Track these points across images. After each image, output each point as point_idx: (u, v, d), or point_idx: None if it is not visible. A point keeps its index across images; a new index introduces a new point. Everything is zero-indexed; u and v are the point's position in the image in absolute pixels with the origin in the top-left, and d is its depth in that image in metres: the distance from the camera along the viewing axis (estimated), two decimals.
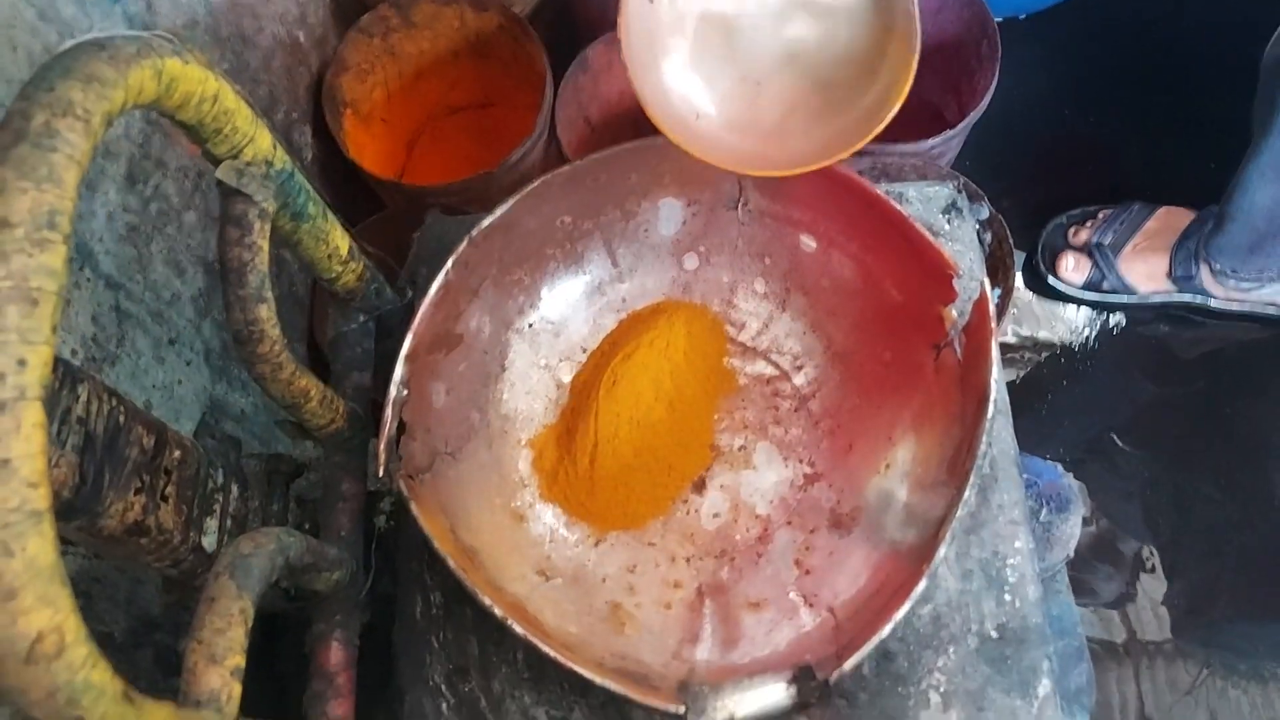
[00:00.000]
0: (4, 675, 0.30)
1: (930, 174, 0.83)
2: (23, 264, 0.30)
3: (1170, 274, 1.07)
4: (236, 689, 0.39)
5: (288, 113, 0.94)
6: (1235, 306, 1.09)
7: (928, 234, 0.52)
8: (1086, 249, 1.11)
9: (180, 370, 0.71)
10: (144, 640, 0.65)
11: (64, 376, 0.42)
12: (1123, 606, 1.02)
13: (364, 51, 1.02)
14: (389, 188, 1.00)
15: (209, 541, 0.51)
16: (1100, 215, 1.12)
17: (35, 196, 0.31)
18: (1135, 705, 0.99)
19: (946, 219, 0.61)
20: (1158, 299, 1.10)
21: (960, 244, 0.60)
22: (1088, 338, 1.13)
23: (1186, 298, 1.09)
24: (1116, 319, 1.14)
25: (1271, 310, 1.08)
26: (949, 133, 0.87)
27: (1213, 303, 1.09)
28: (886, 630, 0.45)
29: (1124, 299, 1.11)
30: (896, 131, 0.89)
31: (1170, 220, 1.09)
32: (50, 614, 0.30)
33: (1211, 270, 1.04)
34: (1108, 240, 1.09)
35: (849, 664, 0.45)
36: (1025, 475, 0.61)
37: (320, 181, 1.02)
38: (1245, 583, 1.02)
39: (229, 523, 0.53)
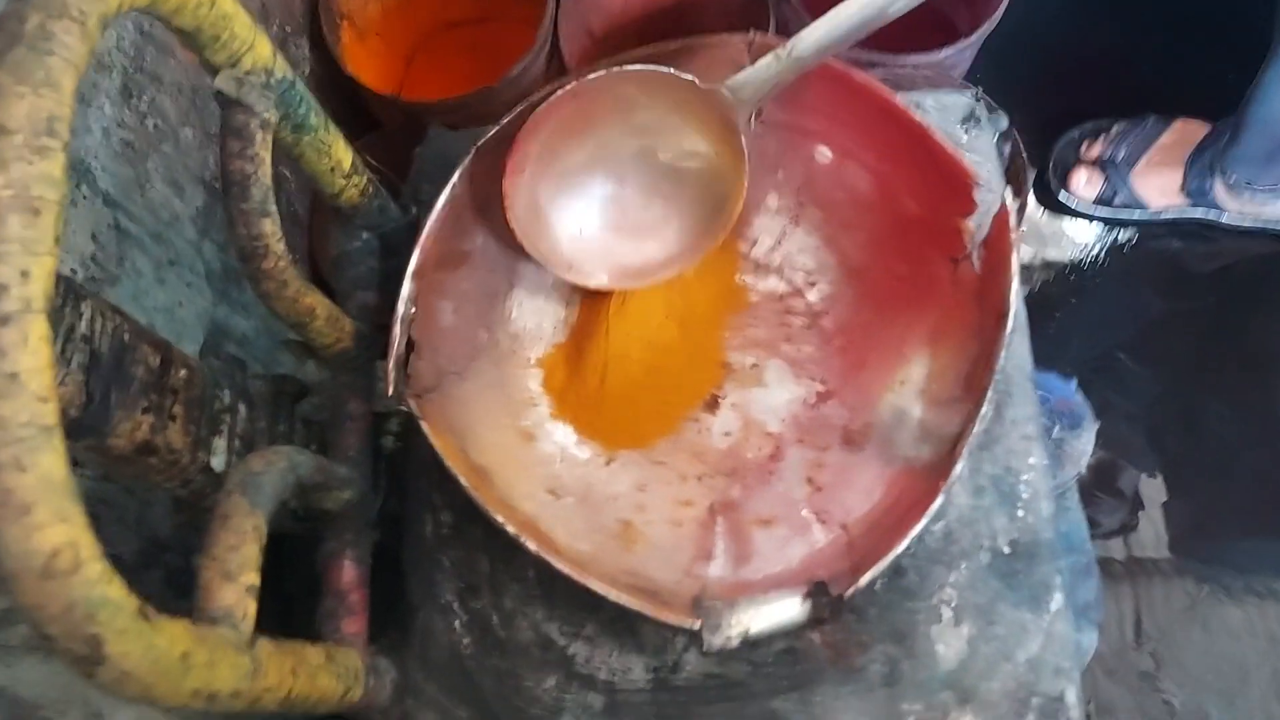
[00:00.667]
0: (21, 591, 0.29)
1: (943, 86, 0.81)
2: (23, 172, 0.29)
3: (1184, 188, 1.06)
4: (251, 606, 0.39)
5: (282, 25, 0.92)
6: (1249, 222, 1.07)
7: (948, 143, 0.51)
8: (1099, 164, 1.09)
9: (181, 292, 0.70)
10: (154, 561, 0.66)
11: (66, 293, 0.42)
12: (1125, 535, 1.03)
13: None
14: (387, 104, 0.98)
15: (217, 462, 0.51)
16: (1114, 129, 1.10)
17: (33, 102, 0.30)
18: (1132, 620, 1.00)
19: (964, 129, 0.60)
20: (1170, 214, 1.08)
21: (979, 155, 0.59)
22: (1097, 255, 1.12)
23: (1199, 213, 1.07)
24: (1127, 235, 1.13)
25: None
26: (962, 43, 0.85)
27: (1225, 218, 1.07)
28: (902, 546, 0.45)
29: (1136, 215, 1.10)
30: (908, 43, 0.87)
31: (1186, 133, 1.07)
32: (65, 529, 0.29)
33: (1226, 183, 1.03)
34: (1121, 154, 1.07)
35: (864, 579, 0.45)
36: (1038, 391, 0.60)
37: (317, 99, 0.99)
38: (1251, 501, 1.02)
39: (237, 443, 0.52)
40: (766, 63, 0.50)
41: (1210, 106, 1.08)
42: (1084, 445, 0.71)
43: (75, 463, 0.47)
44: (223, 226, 0.75)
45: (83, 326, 0.42)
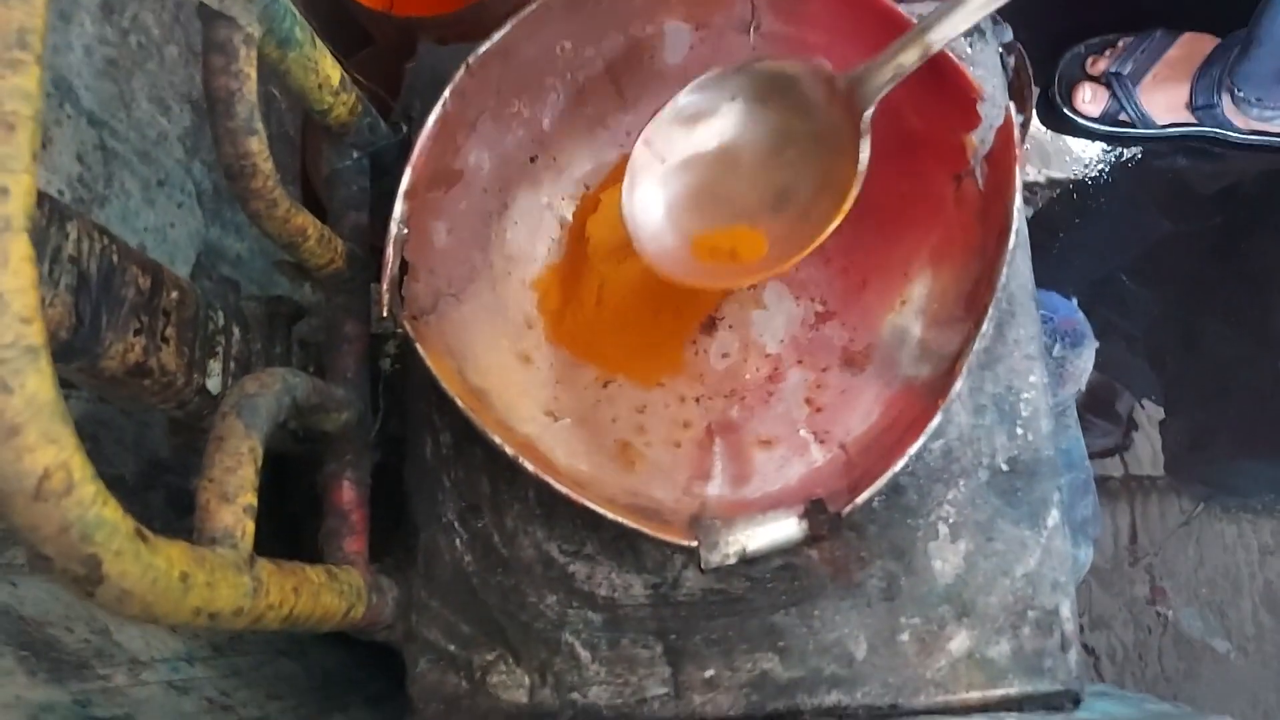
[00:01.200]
0: (14, 513, 0.29)
1: None
2: None
3: (1190, 104, 1.04)
4: (249, 526, 0.39)
5: None
6: (1256, 140, 1.06)
7: (951, 56, 0.49)
8: (1104, 79, 1.07)
9: (172, 213, 0.69)
10: (154, 482, 0.66)
11: (51, 214, 0.41)
12: (1121, 454, 1.03)
13: None
14: (378, 20, 0.95)
15: (213, 384, 0.51)
16: (1120, 44, 1.08)
17: (3, 13, 0.29)
18: (1128, 535, 1.01)
19: (968, 42, 0.58)
20: (1176, 131, 1.07)
21: (983, 69, 0.57)
22: (1102, 173, 1.10)
23: (1206, 129, 1.06)
24: (1132, 152, 1.11)
25: None
26: None
27: (1232, 135, 1.05)
28: (901, 463, 0.45)
29: (1141, 131, 1.08)
30: None
31: (1193, 47, 1.05)
32: (55, 451, 0.29)
33: (1234, 99, 1.01)
34: (1127, 69, 1.05)
35: (862, 497, 0.45)
36: (1040, 311, 0.59)
37: (305, 15, 0.97)
38: (1250, 420, 1.03)
39: (232, 365, 0.52)
40: (905, 52, 0.47)
41: (1219, 20, 1.05)
42: (1084, 364, 0.71)
43: (69, 385, 0.47)
44: (212, 146, 0.74)
45: (69, 247, 0.42)
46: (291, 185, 0.90)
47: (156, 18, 0.68)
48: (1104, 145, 1.11)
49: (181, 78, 0.71)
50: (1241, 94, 1.00)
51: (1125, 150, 1.11)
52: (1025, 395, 0.53)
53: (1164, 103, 1.05)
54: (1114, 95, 1.05)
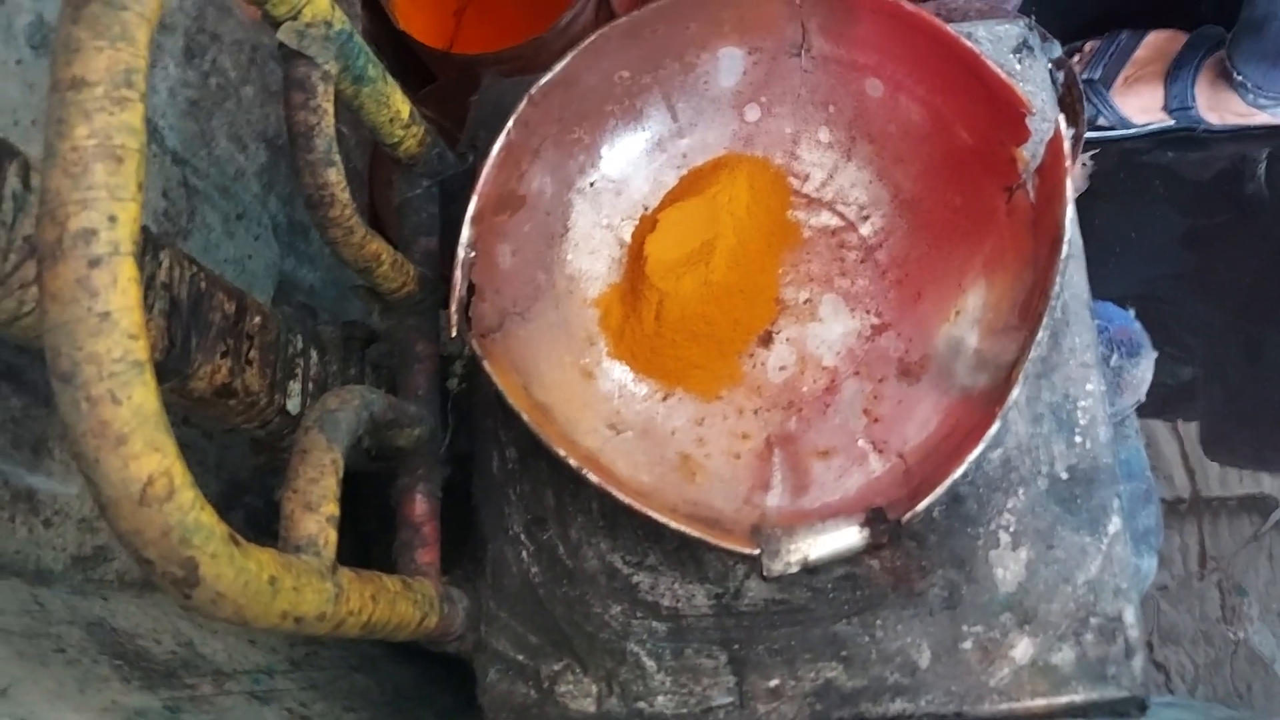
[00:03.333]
0: (120, 519, 0.32)
1: (995, 17, 0.80)
2: (105, 122, 0.31)
3: (1166, 106, 1.03)
4: (332, 535, 0.41)
5: None
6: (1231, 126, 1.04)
7: (1000, 71, 0.50)
8: None
9: (250, 245, 0.72)
10: (235, 503, 0.69)
11: (146, 243, 0.44)
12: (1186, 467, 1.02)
13: None
14: (439, 58, 0.99)
15: (293, 404, 0.53)
16: (1087, 48, 1.07)
17: (111, 55, 0.31)
18: (1196, 554, 0.99)
19: (1017, 59, 0.59)
20: (1157, 127, 1.06)
21: (1032, 84, 0.58)
22: (1095, 181, 1.09)
23: (1183, 126, 1.05)
24: (1119, 154, 1.10)
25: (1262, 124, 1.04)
26: None
27: (1205, 127, 1.04)
28: (960, 471, 0.46)
29: (1124, 132, 1.07)
30: None
31: (1160, 45, 1.04)
32: (159, 458, 0.31)
33: (1232, 83, 0.97)
34: (1098, 75, 1.05)
35: (922, 505, 0.46)
36: (1096, 320, 0.60)
37: None
38: None
39: (310, 386, 0.54)
40: None
41: (1183, 16, 1.04)
42: (1143, 373, 0.70)
43: None
44: (286, 181, 0.77)
45: (162, 275, 0.44)
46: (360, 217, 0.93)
47: (234, 60, 0.72)
48: (1091, 151, 1.10)
49: (257, 117, 0.75)
50: (1241, 77, 0.95)
51: (1113, 152, 1.09)
52: (1082, 403, 0.53)
53: (1138, 105, 1.04)
54: (1090, 101, 1.05)
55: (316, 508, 0.41)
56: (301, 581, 0.38)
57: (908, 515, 0.46)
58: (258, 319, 0.51)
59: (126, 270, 0.31)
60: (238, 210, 0.71)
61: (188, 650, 0.54)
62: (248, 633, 0.60)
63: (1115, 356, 0.70)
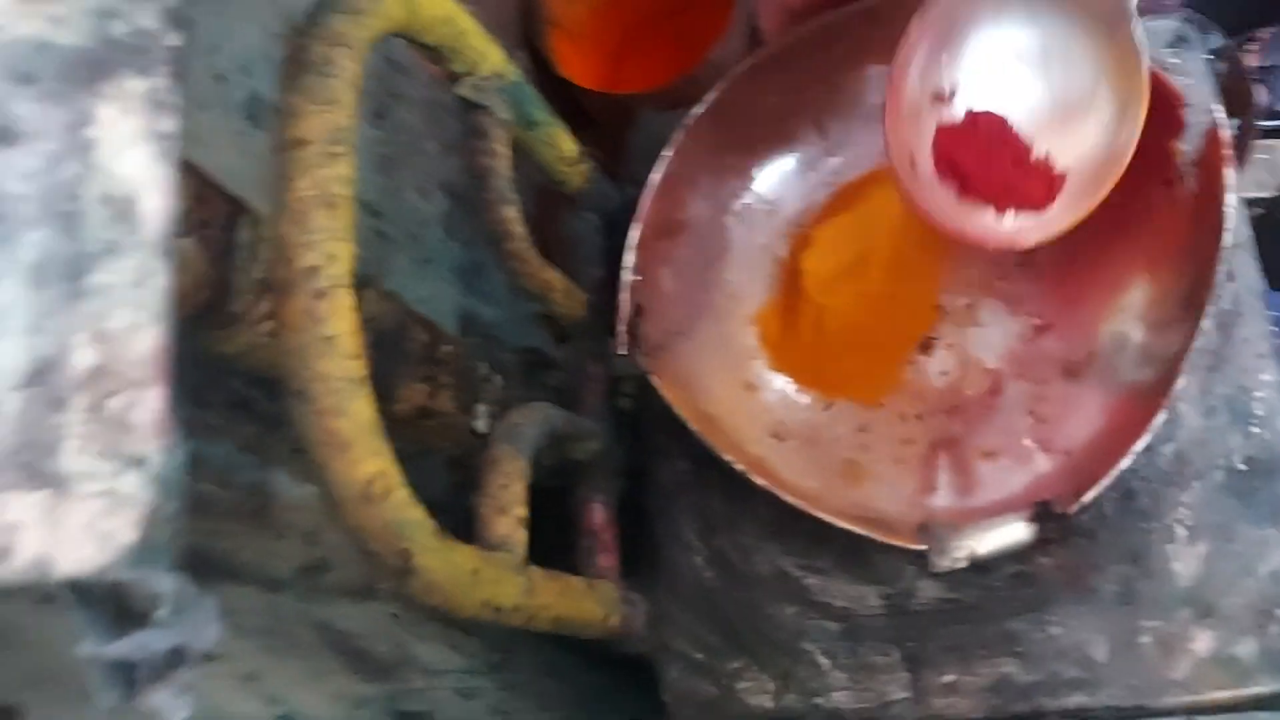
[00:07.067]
0: (348, 515, 0.36)
1: (1152, 14, 0.79)
2: (322, 174, 0.36)
3: None
4: (523, 534, 0.45)
5: (497, 35, 1.00)
6: None
7: (1153, 65, 0.50)
8: (1260, 74, 1.01)
9: (436, 286, 0.79)
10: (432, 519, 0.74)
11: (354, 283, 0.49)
12: None
13: None
14: (598, 100, 1.04)
15: (480, 425, 0.58)
16: (1265, 35, 1.02)
17: (324, 117, 0.37)
18: None
19: (1173, 52, 0.58)
20: None
21: (1190, 77, 0.58)
22: None
23: None
24: None
25: None
26: None
27: None
28: (1125, 463, 0.46)
29: None
30: None
31: None
32: (377, 462, 0.36)
33: None
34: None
35: (1089, 495, 0.46)
36: (1274, 313, 0.58)
37: None
38: None
39: (496, 408, 0.59)
40: None
41: None
42: None
43: None
44: (465, 226, 0.83)
45: (366, 310, 0.50)
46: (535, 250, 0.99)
47: (418, 118, 0.79)
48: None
49: (439, 168, 0.81)
50: None
51: None
52: (1258, 394, 0.52)
53: None
54: (1270, 89, 0.99)
55: (507, 510, 0.45)
56: (498, 574, 0.42)
57: (1074, 507, 0.46)
58: (448, 348, 0.56)
59: (345, 300, 0.36)
60: (424, 255, 0.77)
61: (401, 651, 0.59)
62: (450, 638, 0.66)
63: None
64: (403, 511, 0.37)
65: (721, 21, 0.99)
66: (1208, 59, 0.58)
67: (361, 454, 0.36)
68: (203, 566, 0.50)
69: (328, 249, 0.36)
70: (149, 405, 0.28)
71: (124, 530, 0.27)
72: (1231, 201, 0.48)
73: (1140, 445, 0.46)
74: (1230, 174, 0.48)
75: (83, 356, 0.27)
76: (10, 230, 0.27)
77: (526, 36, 1.06)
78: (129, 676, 0.27)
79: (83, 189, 0.28)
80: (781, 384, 0.59)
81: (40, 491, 0.26)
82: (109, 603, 0.27)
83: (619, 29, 1.19)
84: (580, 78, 1.08)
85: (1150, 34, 0.58)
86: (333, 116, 0.37)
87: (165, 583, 0.28)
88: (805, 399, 0.59)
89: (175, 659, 0.28)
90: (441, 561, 0.38)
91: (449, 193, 0.83)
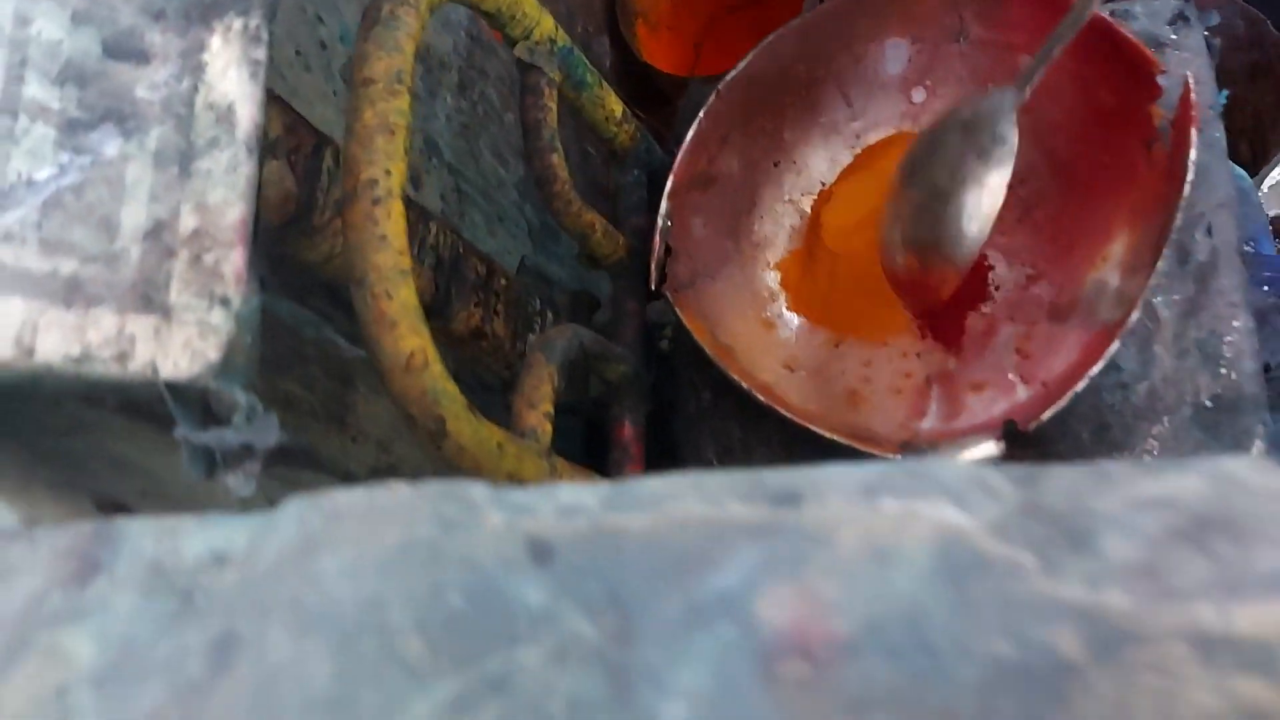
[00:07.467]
0: (393, 383, 0.45)
1: None
2: (384, 106, 0.44)
3: None
4: (548, 427, 0.53)
5: (585, 25, 1.09)
6: None
7: (1129, 34, 0.56)
8: None
9: (508, 242, 0.88)
10: None
11: (420, 215, 0.58)
12: None
13: None
14: (679, 85, 1.12)
15: None
16: None
17: (388, 61, 0.45)
18: None
19: (1173, 29, 0.63)
20: None
21: (1188, 51, 0.63)
22: None
23: None
24: None
25: None
26: None
27: None
28: (1081, 384, 0.51)
29: None
30: None
31: None
32: (418, 340, 0.44)
33: None
34: None
35: (1046, 414, 0.52)
36: (1268, 272, 0.62)
37: (619, 87, 1.16)
38: None
39: None
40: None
41: None
42: None
43: None
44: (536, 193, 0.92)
45: (430, 239, 0.59)
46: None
47: (498, 92, 0.88)
48: None
49: (516, 137, 0.90)
50: None
51: None
52: (1228, 339, 0.56)
53: None
54: None
55: (536, 405, 0.53)
56: (523, 454, 0.50)
57: (1032, 425, 0.52)
58: (504, 281, 0.65)
59: (397, 208, 0.44)
60: (498, 213, 0.86)
61: None
62: None
63: None
64: (438, 382, 0.45)
65: (792, 14, 1.05)
66: (1205, 35, 0.62)
67: (405, 331, 0.44)
68: (288, 454, 0.60)
69: (385, 165, 0.44)
70: (234, 261, 0.37)
71: (211, 351, 0.36)
72: (1192, 155, 0.52)
73: (1094, 370, 0.51)
74: (1194, 131, 0.53)
75: (188, 221, 0.37)
76: (141, 125, 0.36)
77: (611, 25, 1.14)
78: (210, 460, 0.36)
79: (195, 98, 0.37)
80: (797, 323, 0.66)
81: (153, 315, 0.36)
82: (197, 404, 0.36)
83: (699, 20, 1.27)
84: (663, 66, 1.16)
85: (1153, 13, 0.64)
86: (395, 61, 0.46)
87: (240, 396, 0.36)
88: (818, 337, 0.65)
89: (244, 453, 0.36)
90: (471, 430, 0.46)
91: (526, 161, 0.92)
